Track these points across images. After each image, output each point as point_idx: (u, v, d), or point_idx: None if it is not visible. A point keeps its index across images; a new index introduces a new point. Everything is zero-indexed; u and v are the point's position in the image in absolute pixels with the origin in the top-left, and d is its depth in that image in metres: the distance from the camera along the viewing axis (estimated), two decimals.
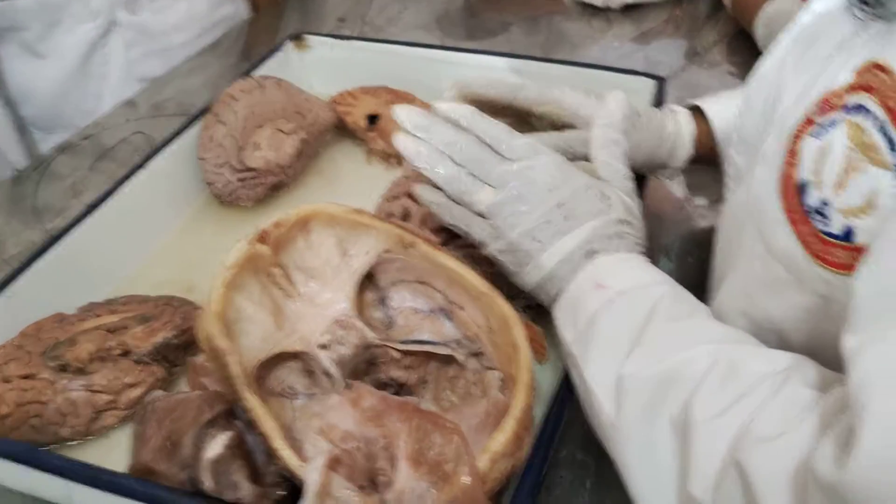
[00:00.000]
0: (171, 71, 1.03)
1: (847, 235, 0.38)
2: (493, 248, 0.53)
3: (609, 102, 0.59)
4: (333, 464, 0.44)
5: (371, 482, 0.45)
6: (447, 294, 0.55)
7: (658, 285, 0.48)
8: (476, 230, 0.53)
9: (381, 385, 0.53)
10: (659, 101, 0.76)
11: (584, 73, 0.81)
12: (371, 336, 0.53)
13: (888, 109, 0.36)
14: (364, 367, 0.54)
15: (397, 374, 0.54)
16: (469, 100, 0.65)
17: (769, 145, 0.45)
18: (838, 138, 0.38)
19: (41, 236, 0.75)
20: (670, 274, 0.50)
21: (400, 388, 0.54)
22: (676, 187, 0.78)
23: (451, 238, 0.59)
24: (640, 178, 0.67)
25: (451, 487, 0.43)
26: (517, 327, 0.51)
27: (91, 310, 0.61)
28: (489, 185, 0.53)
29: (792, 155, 0.42)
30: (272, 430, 0.46)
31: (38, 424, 0.54)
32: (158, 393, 0.53)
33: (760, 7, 0.95)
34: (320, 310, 0.54)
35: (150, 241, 0.72)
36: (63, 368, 0.55)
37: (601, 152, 0.56)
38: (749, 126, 0.52)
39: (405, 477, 0.44)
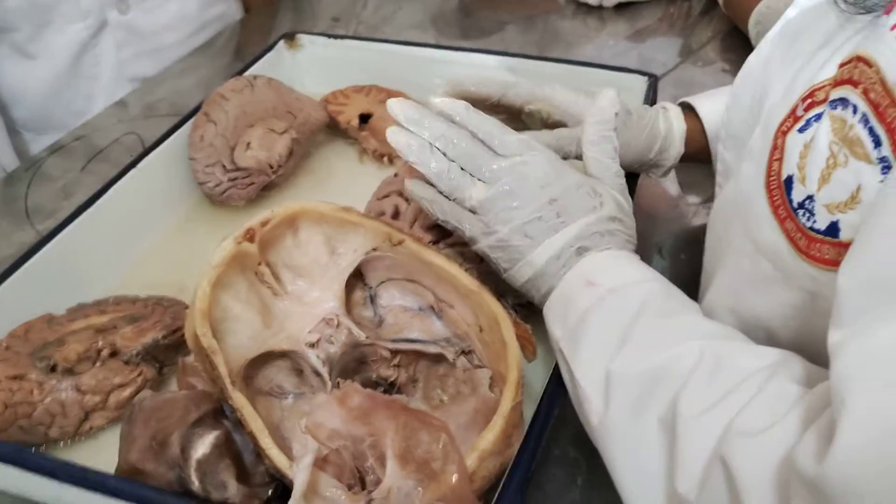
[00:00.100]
0: (163, 71, 1.03)
1: (832, 230, 0.38)
2: (483, 245, 0.53)
3: (601, 99, 0.59)
4: (321, 463, 0.44)
5: (359, 481, 0.45)
6: (436, 292, 0.55)
7: (648, 282, 0.48)
8: (467, 226, 0.53)
9: (371, 384, 0.53)
10: (652, 99, 0.75)
11: (577, 70, 0.81)
12: (360, 335, 0.53)
13: (870, 102, 0.36)
14: (354, 365, 0.54)
15: (387, 372, 0.54)
16: (460, 97, 0.65)
17: (756, 141, 0.45)
18: (822, 133, 0.38)
19: (32, 237, 0.75)
20: (663, 272, 0.50)
21: (390, 387, 0.54)
22: (669, 185, 0.78)
23: (440, 237, 0.59)
24: (633, 176, 0.67)
25: (439, 485, 0.43)
26: (506, 325, 0.50)
27: (80, 310, 0.61)
28: (481, 180, 0.53)
29: (778, 150, 0.42)
30: (260, 429, 0.46)
31: (26, 425, 0.53)
32: (147, 393, 0.53)
33: (754, 4, 0.95)
34: (308, 308, 0.54)
35: (141, 242, 0.72)
36: (52, 369, 0.55)
37: (592, 149, 0.56)
38: (737, 121, 0.52)
39: (393, 475, 0.43)
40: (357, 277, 0.56)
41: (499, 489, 0.45)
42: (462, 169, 0.53)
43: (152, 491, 0.46)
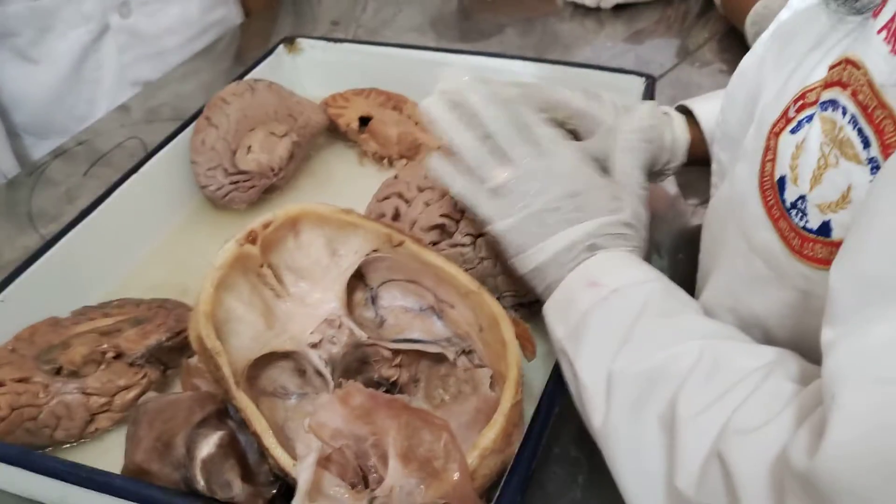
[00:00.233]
0: (165, 76, 1.04)
1: (824, 230, 0.38)
2: (497, 226, 0.53)
3: (640, 109, 0.59)
4: (324, 462, 0.44)
5: (362, 479, 0.45)
6: (437, 293, 0.55)
7: (650, 282, 0.48)
8: (483, 207, 0.53)
9: (373, 384, 0.54)
10: (650, 100, 0.76)
11: (575, 72, 0.82)
12: (362, 335, 0.54)
13: (859, 104, 0.36)
14: (356, 366, 0.55)
15: (389, 372, 0.55)
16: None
17: (749, 141, 0.45)
18: (814, 134, 0.39)
19: (36, 242, 0.75)
20: (661, 271, 0.50)
21: (392, 387, 0.55)
22: (667, 184, 0.78)
23: (440, 238, 0.59)
24: None
25: (441, 484, 0.44)
26: (506, 325, 0.51)
27: (85, 313, 0.61)
28: (508, 162, 0.53)
29: (771, 151, 0.42)
30: (264, 429, 0.47)
31: (32, 427, 0.54)
32: (152, 395, 0.54)
33: (750, 5, 0.96)
34: (310, 309, 0.54)
35: (143, 245, 0.72)
36: (57, 372, 0.56)
37: (623, 156, 0.56)
38: (731, 122, 0.53)
39: (395, 474, 0.44)
40: (358, 278, 0.57)
41: (500, 487, 0.46)
42: (490, 150, 0.54)
43: (158, 491, 0.46)
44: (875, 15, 0.37)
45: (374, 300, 0.57)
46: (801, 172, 0.39)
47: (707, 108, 0.64)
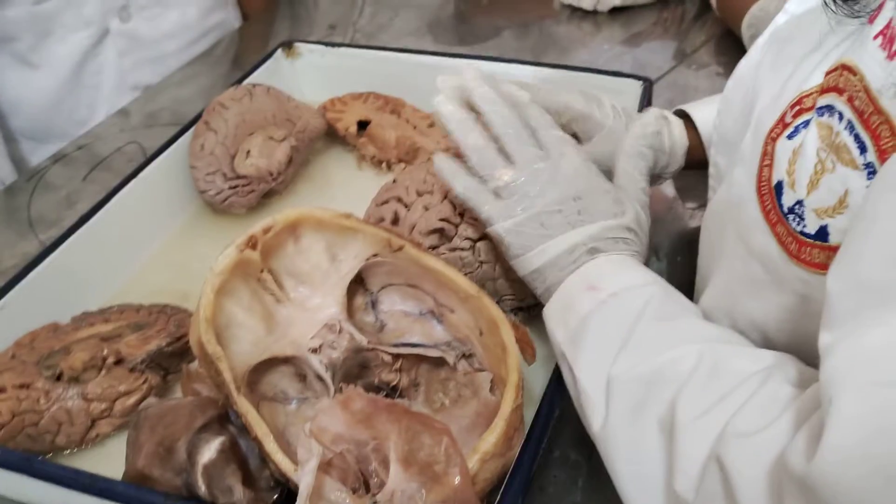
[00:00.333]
0: (164, 80, 1.04)
1: (822, 235, 0.39)
2: (499, 227, 0.53)
3: (645, 115, 0.60)
4: (325, 466, 0.45)
5: (363, 484, 0.46)
6: (436, 297, 0.56)
7: (649, 286, 0.48)
8: (486, 206, 0.53)
9: (374, 388, 0.54)
10: (647, 103, 0.76)
11: (572, 76, 0.82)
12: (362, 339, 0.54)
13: (855, 109, 0.36)
14: (356, 370, 0.55)
15: (389, 377, 0.55)
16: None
17: (747, 146, 0.45)
18: (810, 139, 0.39)
19: (36, 247, 0.75)
20: (660, 274, 0.50)
21: (392, 391, 0.55)
22: (666, 187, 0.79)
23: (439, 242, 0.60)
24: None
25: (442, 488, 0.44)
26: (505, 328, 0.51)
27: (85, 319, 0.62)
28: (513, 164, 0.53)
29: (768, 156, 0.43)
30: (265, 434, 0.47)
31: (34, 433, 0.54)
32: (152, 400, 0.54)
33: (747, 8, 0.96)
34: (311, 314, 0.54)
35: (143, 250, 0.73)
36: (58, 377, 0.56)
37: (626, 161, 0.57)
38: (728, 126, 0.53)
39: (396, 478, 0.44)
40: (358, 283, 0.57)
41: (500, 491, 0.46)
42: (497, 150, 0.54)
43: (160, 496, 0.46)
44: (871, 21, 0.38)
45: (374, 305, 0.58)
46: (798, 177, 0.40)
47: (704, 112, 0.65)
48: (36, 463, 0.49)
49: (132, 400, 0.57)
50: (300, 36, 1.14)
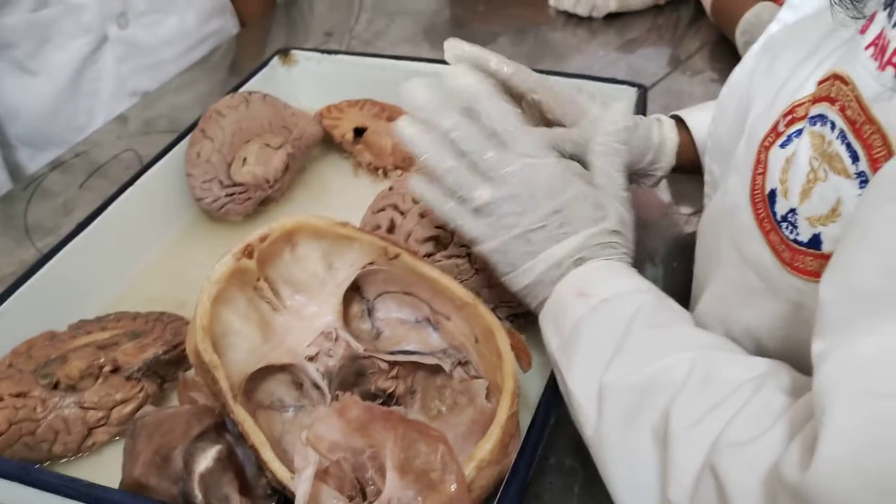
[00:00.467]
0: (162, 87, 1.04)
1: (815, 243, 0.39)
2: (484, 247, 0.53)
3: (613, 112, 0.59)
4: (322, 475, 0.45)
5: (360, 492, 0.46)
6: (432, 304, 0.56)
7: (640, 293, 0.48)
8: (468, 227, 0.53)
9: (370, 396, 0.54)
10: (642, 109, 0.77)
11: (567, 82, 0.82)
12: (358, 347, 0.54)
13: (847, 119, 0.37)
14: (352, 378, 0.55)
15: (385, 384, 0.55)
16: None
17: (740, 154, 0.46)
18: (803, 148, 0.39)
19: (33, 255, 0.75)
20: (656, 280, 0.51)
21: (388, 399, 0.55)
22: (662, 193, 0.79)
23: (435, 249, 0.60)
24: None
25: (439, 495, 0.44)
26: (501, 336, 0.51)
27: (81, 327, 0.62)
28: (488, 181, 0.52)
29: (761, 164, 0.43)
30: (262, 442, 0.47)
31: (30, 442, 0.54)
32: (149, 409, 0.54)
33: (740, 15, 0.97)
34: (307, 322, 0.55)
35: (140, 258, 0.73)
36: (55, 386, 0.56)
37: (600, 160, 0.56)
38: (722, 133, 0.53)
39: (393, 486, 0.44)
40: (354, 291, 0.57)
41: (497, 498, 0.46)
42: (469, 168, 0.53)
43: None
44: (862, 31, 0.38)
45: (370, 312, 0.58)
46: (791, 186, 0.40)
47: (699, 118, 0.65)
48: (33, 471, 0.49)
49: (129, 408, 0.57)
50: (296, 42, 1.14)
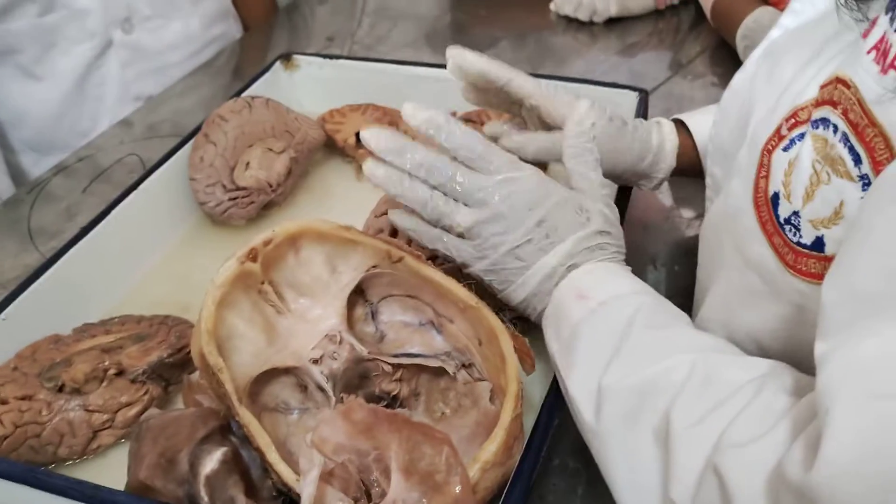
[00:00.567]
0: (166, 91, 1.05)
1: (818, 245, 0.39)
2: (475, 269, 0.54)
3: (576, 112, 0.59)
4: (327, 476, 0.45)
5: (364, 494, 0.46)
6: (436, 307, 0.56)
7: (638, 295, 0.49)
8: (456, 252, 0.54)
9: (374, 398, 0.54)
10: (643, 113, 0.77)
11: (568, 87, 0.82)
12: (362, 350, 0.54)
13: (850, 122, 0.37)
14: (357, 381, 0.55)
15: (389, 387, 0.55)
16: (466, 78, 0.64)
17: (743, 157, 0.46)
18: (806, 151, 0.40)
19: (37, 259, 0.76)
20: (657, 283, 0.51)
21: (392, 401, 0.55)
22: (664, 196, 0.79)
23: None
24: (625, 188, 0.68)
25: (443, 497, 0.44)
26: (504, 338, 0.52)
27: (86, 330, 0.62)
28: (466, 205, 0.53)
29: (764, 168, 0.43)
30: (267, 444, 0.47)
31: (36, 445, 0.54)
32: (154, 411, 0.54)
33: (741, 19, 0.97)
34: (311, 325, 0.55)
35: (144, 262, 0.73)
36: (60, 389, 0.56)
37: (573, 162, 0.56)
38: (724, 137, 0.54)
39: (397, 488, 0.44)
40: (358, 294, 0.57)
41: (501, 500, 0.46)
42: (445, 195, 0.53)
43: None
44: (865, 36, 0.38)
45: (374, 315, 0.58)
46: (794, 189, 0.40)
47: (700, 121, 0.65)
48: (38, 474, 0.49)
49: (134, 411, 0.57)
50: (299, 47, 1.15)
